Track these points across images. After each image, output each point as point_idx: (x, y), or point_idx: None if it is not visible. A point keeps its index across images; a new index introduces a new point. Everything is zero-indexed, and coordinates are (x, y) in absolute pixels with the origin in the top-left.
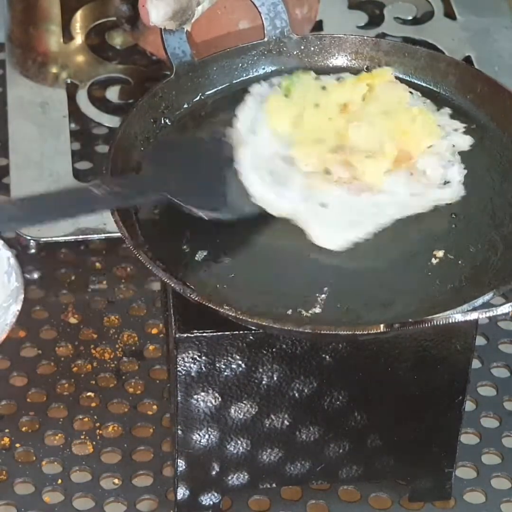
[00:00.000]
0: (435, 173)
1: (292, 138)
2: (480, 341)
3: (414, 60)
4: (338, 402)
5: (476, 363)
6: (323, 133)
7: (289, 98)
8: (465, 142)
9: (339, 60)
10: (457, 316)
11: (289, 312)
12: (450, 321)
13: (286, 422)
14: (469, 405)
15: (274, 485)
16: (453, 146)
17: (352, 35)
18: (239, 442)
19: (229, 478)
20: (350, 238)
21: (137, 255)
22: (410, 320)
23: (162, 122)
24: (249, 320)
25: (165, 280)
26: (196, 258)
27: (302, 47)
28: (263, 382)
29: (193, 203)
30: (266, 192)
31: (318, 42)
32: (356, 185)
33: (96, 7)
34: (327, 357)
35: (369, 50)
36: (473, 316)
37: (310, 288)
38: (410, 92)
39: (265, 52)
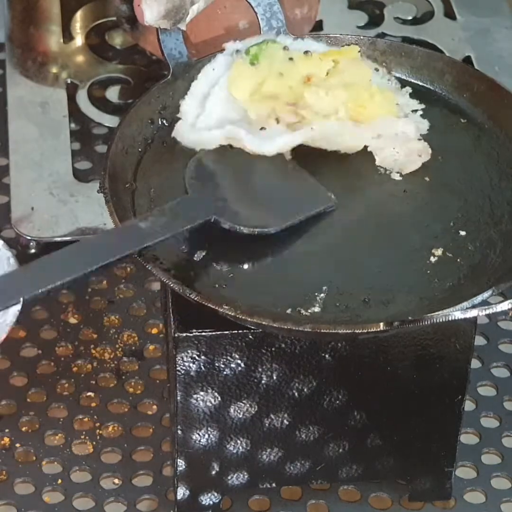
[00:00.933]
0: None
1: (248, 102)
2: (480, 341)
3: (411, 59)
4: (337, 402)
5: (476, 363)
6: (278, 94)
7: (255, 67)
8: (423, 125)
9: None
10: (456, 313)
11: (289, 311)
12: (450, 318)
13: (285, 422)
14: (469, 405)
15: (274, 485)
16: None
17: (348, 34)
18: (238, 441)
19: (229, 478)
20: (280, 143)
21: (136, 256)
22: (409, 318)
23: (160, 123)
24: (249, 319)
25: (164, 280)
26: (194, 258)
27: None
28: (263, 382)
29: (241, 222)
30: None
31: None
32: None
33: (96, 7)
34: (327, 356)
35: (365, 49)
36: (472, 313)
37: (309, 288)
38: (376, 69)
39: None
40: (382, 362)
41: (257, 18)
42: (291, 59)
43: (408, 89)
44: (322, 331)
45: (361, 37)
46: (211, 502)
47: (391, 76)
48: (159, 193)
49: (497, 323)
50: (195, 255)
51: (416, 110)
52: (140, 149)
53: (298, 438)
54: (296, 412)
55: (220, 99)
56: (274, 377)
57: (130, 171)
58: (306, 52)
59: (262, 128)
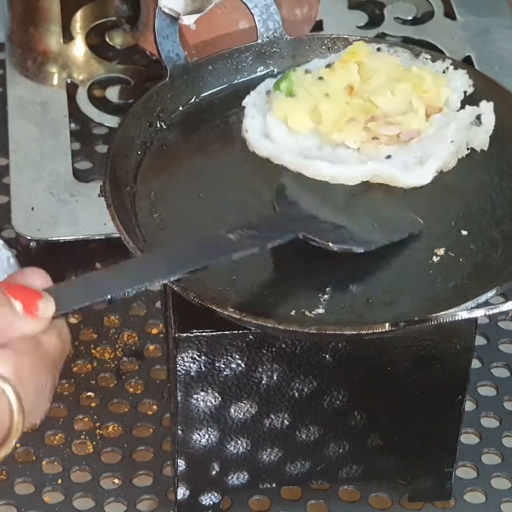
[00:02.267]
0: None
1: (320, 131)
2: (480, 341)
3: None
4: (338, 402)
5: (476, 363)
6: (350, 115)
7: (295, 98)
8: (463, 77)
9: (333, 60)
10: (462, 313)
11: (293, 312)
12: (456, 318)
13: (286, 422)
14: (469, 405)
15: (274, 485)
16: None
17: (344, 35)
18: (239, 442)
19: (229, 478)
20: (432, 170)
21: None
22: (416, 318)
23: (158, 125)
24: (254, 322)
25: (169, 284)
26: None
27: (296, 48)
28: (263, 382)
29: (326, 238)
30: (335, 169)
31: (312, 43)
32: (406, 132)
33: (96, 7)
34: (327, 356)
35: None
36: (478, 313)
37: (313, 289)
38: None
39: (259, 54)
40: (383, 362)
41: (254, 20)
42: (321, 78)
43: (426, 55)
44: (328, 332)
45: (358, 38)
46: (211, 502)
47: (403, 50)
48: (159, 196)
49: (497, 323)
50: None
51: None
52: (139, 152)
53: (298, 438)
54: (296, 412)
55: (282, 136)
56: (275, 377)
57: (130, 174)
58: (328, 66)
59: (388, 157)
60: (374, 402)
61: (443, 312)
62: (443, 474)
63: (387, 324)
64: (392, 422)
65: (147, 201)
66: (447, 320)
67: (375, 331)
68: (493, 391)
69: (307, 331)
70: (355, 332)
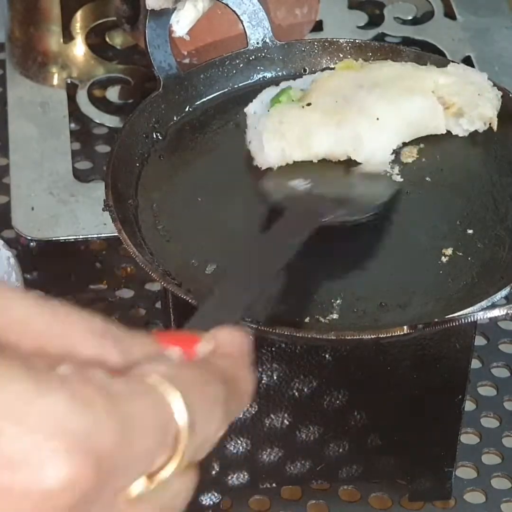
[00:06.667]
0: None
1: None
2: (480, 341)
3: (400, 59)
4: (337, 402)
5: (476, 363)
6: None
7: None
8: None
9: (324, 64)
10: (480, 313)
11: (307, 319)
12: (475, 318)
13: (286, 422)
14: (469, 405)
15: (274, 485)
16: None
17: (335, 38)
18: (239, 442)
19: (229, 478)
20: None
21: (151, 273)
22: (435, 320)
23: (154, 136)
24: (271, 330)
25: (181, 296)
26: (206, 272)
27: (286, 53)
28: (263, 381)
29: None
30: None
31: (302, 47)
32: None
33: (96, 7)
34: (327, 356)
35: (353, 52)
36: (498, 313)
37: (324, 295)
38: None
39: (250, 60)
40: (382, 362)
41: (243, 26)
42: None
43: None
44: (347, 338)
45: (348, 40)
46: (211, 502)
47: None
48: (161, 207)
49: (497, 323)
50: (207, 269)
51: None
52: (138, 164)
53: (298, 438)
54: (296, 412)
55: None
56: (274, 377)
57: (131, 187)
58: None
59: None
60: (374, 402)
61: (462, 312)
62: (443, 474)
63: (405, 327)
64: (392, 422)
65: (150, 213)
66: (467, 321)
67: (393, 334)
68: (493, 391)
69: (326, 338)
70: (374, 336)
